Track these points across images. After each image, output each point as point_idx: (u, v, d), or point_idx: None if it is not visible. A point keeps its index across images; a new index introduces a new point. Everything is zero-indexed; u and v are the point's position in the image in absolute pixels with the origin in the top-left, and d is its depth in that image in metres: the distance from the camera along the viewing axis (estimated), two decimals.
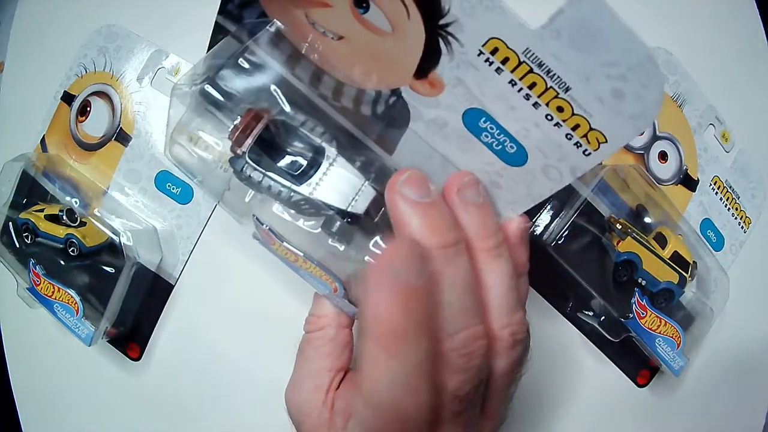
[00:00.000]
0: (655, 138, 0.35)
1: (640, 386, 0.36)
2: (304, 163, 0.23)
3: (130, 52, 0.33)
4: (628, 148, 0.34)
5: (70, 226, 0.32)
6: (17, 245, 0.34)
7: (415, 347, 0.18)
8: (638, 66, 0.17)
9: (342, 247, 0.23)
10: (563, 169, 0.21)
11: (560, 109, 0.19)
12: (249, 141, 0.22)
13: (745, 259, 0.38)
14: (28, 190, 0.34)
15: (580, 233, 0.32)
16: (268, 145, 0.22)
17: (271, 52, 0.23)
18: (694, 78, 0.36)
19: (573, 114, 0.19)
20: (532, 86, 0.19)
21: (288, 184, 0.22)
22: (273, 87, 0.23)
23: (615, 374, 0.35)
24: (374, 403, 0.18)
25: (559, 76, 0.19)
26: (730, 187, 0.37)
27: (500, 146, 0.21)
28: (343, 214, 0.22)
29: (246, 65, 0.22)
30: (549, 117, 0.20)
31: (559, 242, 0.31)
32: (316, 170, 0.22)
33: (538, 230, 0.33)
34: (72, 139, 0.34)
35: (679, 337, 0.33)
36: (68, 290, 0.32)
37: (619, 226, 0.32)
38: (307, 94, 0.23)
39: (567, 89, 0.19)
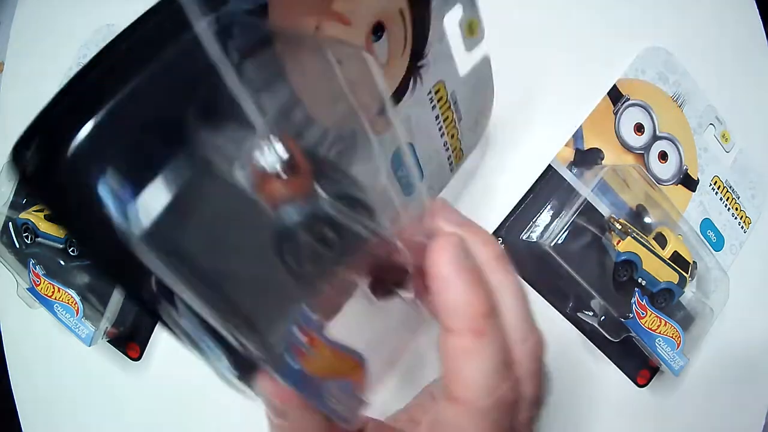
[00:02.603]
0: (655, 138, 0.35)
1: (640, 386, 0.36)
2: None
3: None
4: (628, 148, 0.34)
5: None
6: (17, 245, 0.34)
7: (496, 322, 0.18)
8: (487, 106, 0.24)
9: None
10: (435, 186, 0.25)
11: (452, 136, 0.24)
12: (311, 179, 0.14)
13: (745, 259, 0.38)
14: None
15: (580, 233, 0.32)
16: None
17: (226, 43, 0.14)
18: (694, 78, 0.36)
19: (457, 139, 0.24)
20: (446, 119, 0.23)
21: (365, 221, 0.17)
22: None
23: (615, 374, 0.35)
24: (477, 401, 0.18)
25: (460, 110, 0.23)
26: (730, 187, 0.37)
27: (407, 179, 0.21)
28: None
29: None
30: (445, 144, 0.24)
31: (559, 242, 0.31)
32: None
33: (538, 230, 0.33)
34: None
35: (679, 337, 0.33)
36: (68, 290, 0.32)
37: (619, 226, 0.32)
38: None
39: (460, 119, 0.24)
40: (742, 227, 0.38)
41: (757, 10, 0.39)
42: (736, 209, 0.37)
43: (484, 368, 0.18)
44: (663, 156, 0.35)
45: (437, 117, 0.23)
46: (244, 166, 0.13)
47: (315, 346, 0.16)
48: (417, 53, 0.21)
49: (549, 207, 0.33)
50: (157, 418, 0.35)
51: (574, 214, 0.31)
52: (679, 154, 0.35)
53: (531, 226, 0.33)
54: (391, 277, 0.21)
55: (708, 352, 0.37)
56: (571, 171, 0.33)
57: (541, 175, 0.33)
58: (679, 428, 0.37)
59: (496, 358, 0.18)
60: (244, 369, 0.17)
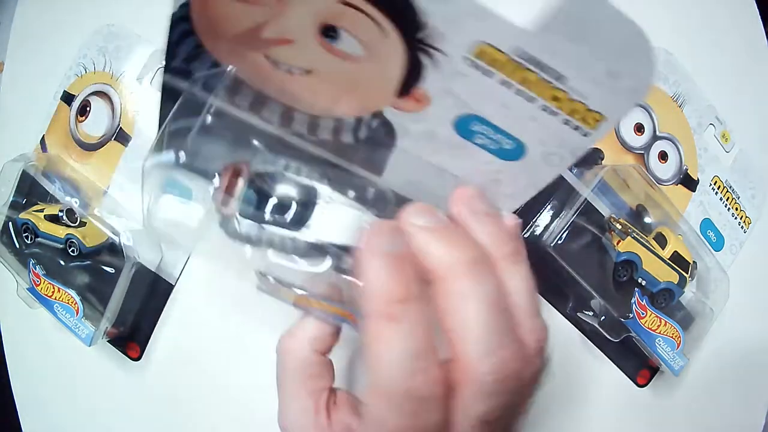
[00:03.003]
0: (655, 138, 0.35)
1: (640, 386, 0.36)
2: (299, 207, 0.22)
3: (130, 52, 0.33)
4: (628, 148, 0.34)
5: (70, 226, 0.32)
6: (17, 245, 0.34)
7: (415, 309, 0.18)
8: (630, 43, 0.18)
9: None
10: (564, 153, 0.21)
11: (555, 98, 0.19)
12: (235, 198, 0.21)
13: (745, 259, 0.38)
14: (28, 190, 0.34)
15: (580, 233, 0.32)
16: (257, 198, 0.22)
17: (233, 101, 0.22)
18: (694, 78, 0.36)
19: (569, 100, 0.19)
20: (524, 82, 0.19)
21: (289, 233, 0.21)
22: (251, 138, 0.22)
23: (615, 374, 0.35)
24: (385, 388, 0.18)
25: (552, 68, 0.19)
26: (730, 187, 0.37)
27: (496, 145, 0.21)
28: (351, 250, 0.22)
29: (210, 123, 0.21)
30: (544, 108, 0.20)
31: (559, 242, 0.31)
32: (312, 212, 0.22)
33: (538, 230, 0.33)
34: (72, 139, 0.34)
35: (679, 337, 0.33)
36: (68, 290, 0.32)
37: (619, 226, 0.32)
38: (281, 136, 0.22)
39: (560, 78, 0.19)
40: (742, 227, 0.38)
41: (757, 10, 0.39)
42: (736, 209, 0.37)
43: (394, 355, 0.18)
44: (663, 156, 0.35)
45: (504, 82, 0.19)
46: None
47: (277, 289, 0.24)
48: (407, 29, 0.19)
49: (549, 207, 0.33)
50: (157, 418, 0.35)
51: (574, 214, 0.31)
52: (679, 154, 0.35)
53: (531, 226, 0.33)
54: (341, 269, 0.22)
55: (708, 352, 0.37)
56: (571, 171, 0.33)
57: None
58: (679, 428, 0.37)
59: (409, 347, 0.18)
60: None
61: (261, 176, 0.22)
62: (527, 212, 0.33)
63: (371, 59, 0.20)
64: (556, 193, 0.33)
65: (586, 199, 0.31)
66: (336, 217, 0.22)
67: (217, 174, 0.21)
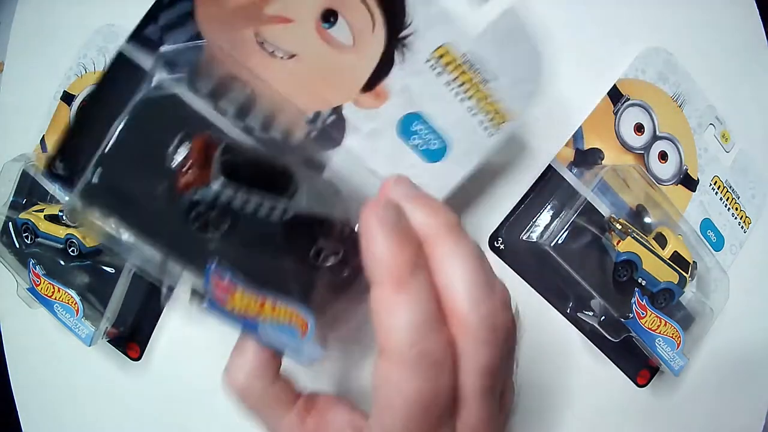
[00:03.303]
0: (655, 138, 0.35)
1: (640, 386, 0.36)
2: (281, 178, 0.22)
3: None
4: (628, 148, 0.34)
5: (70, 226, 0.32)
6: (17, 245, 0.34)
7: (420, 278, 0.19)
8: (534, 63, 0.22)
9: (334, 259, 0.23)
10: (472, 153, 0.24)
11: (479, 99, 0.22)
12: (215, 166, 0.20)
13: (745, 259, 0.38)
14: (28, 190, 0.34)
15: (580, 233, 0.32)
16: (234, 168, 0.21)
17: (194, 86, 0.21)
18: (694, 78, 0.36)
19: (488, 102, 0.22)
20: (462, 84, 0.22)
21: (281, 201, 0.21)
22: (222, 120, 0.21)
23: (615, 374, 0.35)
24: (400, 354, 0.18)
25: (484, 70, 0.22)
26: (730, 187, 0.37)
27: (425, 146, 0.23)
28: (336, 223, 0.22)
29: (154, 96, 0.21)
30: (470, 108, 0.23)
31: (559, 242, 0.31)
32: (297, 184, 0.22)
33: (538, 230, 0.33)
34: None
35: (679, 337, 0.33)
36: (68, 290, 0.32)
37: (619, 226, 0.32)
38: (226, 129, 0.22)
39: (487, 80, 0.22)
40: (742, 227, 0.38)
41: (757, 10, 0.39)
42: (736, 209, 0.37)
43: (405, 320, 0.18)
44: (663, 156, 0.35)
45: (448, 82, 0.22)
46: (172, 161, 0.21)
47: (229, 292, 0.21)
48: (394, 25, 0.21)
49: (549, 207, 0.33)
50: (157, 419, 0.35)
51: (574, 214, 0.31)
52: (679, 154, 0.35)
53: (531, 226, 0.33)
54: (326, 245, 0.23)
55: (708, 352, 0.37)
56: (571, 171, 0.33)
57: (541, 175, 0.33)
58: (679, 428, 0.37)
59: (419, 311, 0.18)
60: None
61: (236, 148, 0.21)
62: (527, 212, 0.33)
63: (356, 50, 0.21)
64: (556, 193, 0.33)
65: (586, 199, 0.31)
66: (320, 190, 0.22)
67: (179, 147, 0.20)
